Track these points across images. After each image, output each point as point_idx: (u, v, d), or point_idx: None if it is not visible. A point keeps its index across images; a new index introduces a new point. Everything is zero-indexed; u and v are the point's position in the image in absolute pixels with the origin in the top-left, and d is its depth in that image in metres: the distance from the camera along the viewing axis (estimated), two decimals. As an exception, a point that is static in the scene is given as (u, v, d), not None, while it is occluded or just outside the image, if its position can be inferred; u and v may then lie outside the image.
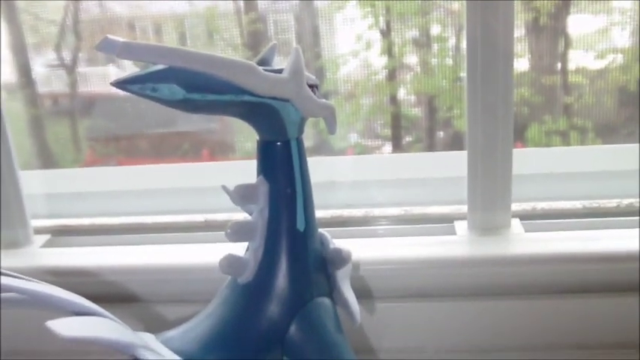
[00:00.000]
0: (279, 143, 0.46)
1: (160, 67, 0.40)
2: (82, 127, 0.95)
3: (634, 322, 0.62)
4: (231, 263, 0.47)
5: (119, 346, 0.39)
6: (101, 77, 0.95)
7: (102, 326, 0.40)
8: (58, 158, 0.96)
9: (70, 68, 0.92)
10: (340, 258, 0.50)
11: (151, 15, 0.89)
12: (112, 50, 0.39)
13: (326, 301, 0.48)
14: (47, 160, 0.94)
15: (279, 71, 0.44)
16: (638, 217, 0.70)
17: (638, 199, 0.72)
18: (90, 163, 0.95)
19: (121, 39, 0.38)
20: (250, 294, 0.47)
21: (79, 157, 0.96)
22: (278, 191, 0.46)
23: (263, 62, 0.47)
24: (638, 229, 0.65)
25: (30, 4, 0.87)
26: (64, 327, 0.36)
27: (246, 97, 0.42)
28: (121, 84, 0.40)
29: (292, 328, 0.46)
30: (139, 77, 0.40)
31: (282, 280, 0.46)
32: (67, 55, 0.91)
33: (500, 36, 0.63)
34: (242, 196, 0.46)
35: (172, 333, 0.47)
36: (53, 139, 0.94)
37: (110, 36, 0.39)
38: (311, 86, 0.45)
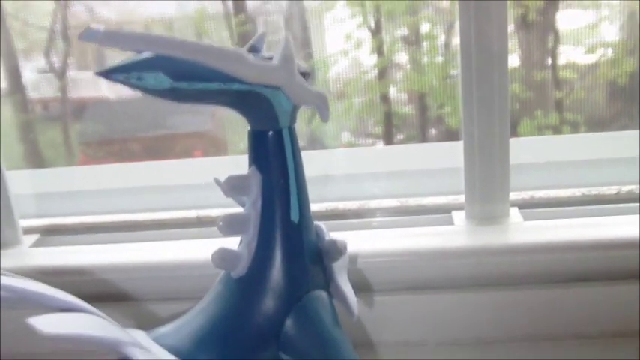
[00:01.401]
0: (270, 132, 0.45)
1: (145, 55, 0.39)
2: (73, 132, 0.95)
3: (634, 309, 0.62)
4: (223, 257, 0.46)
5: (104, 344, 0.38)
6: (91, 81, 0.95)
7: (87, 323, 0.38)
8: (50, 163, 0.95)
9: (60, 73, 0.91)
10: (335, 249, 0.49)
11: (140, 18, 0.89)
12: (94, 39, 0.37)
13: (323, 294, 0.48)
14: (39, 165, 0.94)
15: (270, 59, 0.43)
16: (638, 204, 0.70)
17: (638, 186, 0.72)
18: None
19: (103, 27, 0.37)
20: (244, 288, 0.46)
21: (72, 162, 0.95)
22: (271, 182, 0.45)
23: (252, 50, 0.46)
24: (638, 216, 0.65)
25: (18, 9, 0.87)
26: (46, 323, 0.35)
27: (236, 85, 0.41)
28: (105, 73, 0.39)
29: (288, 323, 0.45)
30: (124, 66, 0.39)
31: (276, 273, 0.45)
32: (56, 60, 0.91)
33: (494, 24, 0.63)
34: (233, 187, 0.46)
35: (164, 329, 0.46)
36: (45, 144, 0.94)
37: (93, 25, 0.37)
38: (303, 74, 0.44)
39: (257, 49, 0.47)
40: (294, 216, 0.46)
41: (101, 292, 0.66)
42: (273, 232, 0.46)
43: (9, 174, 0.74)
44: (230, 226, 0.46)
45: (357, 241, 0.64)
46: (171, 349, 0.43)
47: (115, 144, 0.94)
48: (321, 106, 0.45)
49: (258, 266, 0.46)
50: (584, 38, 0.85)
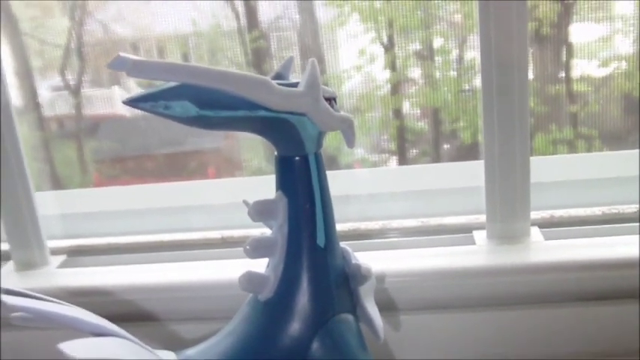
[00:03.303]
0: (297, 158, 0.45)
1: (171, 84, 0.40)
2: (88, 149, 0.95)
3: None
4: (250, 280, 0.46)
5: None
6: (106, 99, 0.95)
7: (117, 347, 0.39)
8: (65, 181, 0.95)
9: (75, 91, 0.92)
10: (360, 274, 0.49)
11: (155, 36, 0.90)
12: (123, 68, 0.38)
13: (349, 317, 0.48)
14: (55, 183, 0.94)
15: (295, 85, 0.44)
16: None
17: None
18: (98, 185, 0.95)
19: (132, 56, 0.38)
20: (271, 311, 0.46)
21: (87, 180, 0.96)
22: (297, 207, 0.46)
23: (279, 76, 0.47)
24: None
25: (34, 28, 0.87)
26: (77, 349, 0.35)
27: (261, 113, 0.42)
28: (133, 102, 0.40)
29: (314, 346, 0.45)
30: (151, 95, 0.40)
31: (303, 296, 0.46)
32: (71, 78, 0.91)
33: (514, 43, 0.63)
34: (260, 211, 0.46)
35: (193, 351, 0.47)
36: (60, 162, 0.94)
37: (122, 54, 0.38)
38: (328, 99, 0.45)
39: (283, 76, 0.47)
40: (321, 240, 0.46)
41: (127, 312, 0.66)
42: (299, 256, 0.46)
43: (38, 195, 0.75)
44: (256, 249, 0.46)
45: (378, 261, 0.64)
46: None
47: (128, 161, 0.94)
48: (347, 131, 0.46)
49: (284, 290, 0.46)
50: (598, 51, 0.85)
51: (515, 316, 0.63)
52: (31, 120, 0.91)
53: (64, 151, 0.95)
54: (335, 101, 0.46)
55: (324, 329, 0.46)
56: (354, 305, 0.49)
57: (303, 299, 0.46)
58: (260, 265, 0.48)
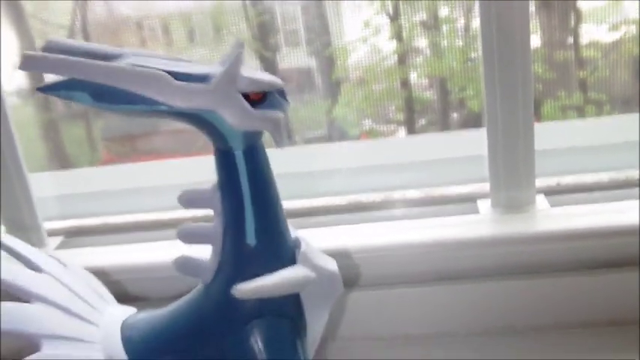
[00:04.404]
0: (224, 153, 0.43)
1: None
2: (96, 128, 0.95)
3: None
4: (184, 264, 0.47)
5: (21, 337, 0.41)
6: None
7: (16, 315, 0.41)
8: (74, 160, 0.96)
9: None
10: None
11: (159, 14, 0.89)
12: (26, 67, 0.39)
13: (278, 323, 0.45)
14: (64, 163, 0.95)
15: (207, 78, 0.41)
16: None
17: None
18: (106, 164, 0.95)
19: (31, 53, 0.38)
20: (205, 296, 0.46)
21: (95, 158, 0.96)
22: (227, 201, 0.44)
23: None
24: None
25: (38, 9, 0.87)
26: None
27: (163, 107, 0.40)
28: (41, 89, 0.40)
29: (227, 347, 0.45)
30: (55, 84, 0.40)
31: (228, 294, 0.44)
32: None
33: (514, 5, 0.61)
34: (188, 200, 0.46)
35: (141, 316, 0.48)
36: (68, 141, 0.95)
37: (27, 52, 0.38)
38: (260, 94, 0.42)
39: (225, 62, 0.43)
40: (250, 239, 0.44)
41: (127, 292, 0.67)
42: (230, 251, 0.45)
43: (32, 176, 0.75)
44: (186, 236, 0.46)
45: (382, 234, 0.64)
46: (133, 341, 0.46)
47: (137, 139, 0.95)
48: (272, 132, 0.43)
49: (218, 281, 0.45)
50: (606, 16, 0.83)
51: (521, 286, 0.63)
52: (38, 101, 0.92)
53: (72, 131, 0.96)
54: (279, 93, 0.43)
55: (243, 331, 0.44)
56: (298, 309, 0.46)
57: (228, 296, 0.44)
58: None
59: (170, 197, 0.80)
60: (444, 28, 0.89)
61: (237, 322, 0.45)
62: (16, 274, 0.44)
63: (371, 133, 0.93)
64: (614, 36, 0.84)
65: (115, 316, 0.48)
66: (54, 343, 0.42)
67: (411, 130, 0.94)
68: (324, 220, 0.72)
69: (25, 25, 0.87)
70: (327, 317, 0.48)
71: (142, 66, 0.40)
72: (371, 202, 0.74)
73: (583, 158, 0.74)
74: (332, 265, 0.48)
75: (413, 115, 0.93)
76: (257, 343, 0.44)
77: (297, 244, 0.47)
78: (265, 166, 0.44)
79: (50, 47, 0.40)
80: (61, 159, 0.94)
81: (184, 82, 0.40)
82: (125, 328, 0.47)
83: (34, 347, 0.42)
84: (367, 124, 0.94)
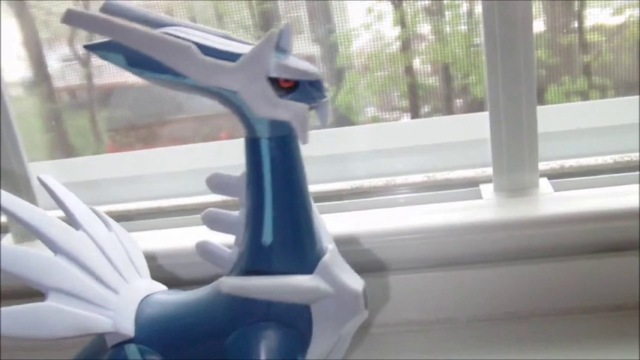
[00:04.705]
0: (250, 139, 0.41)
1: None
2: (101, 119, 0.95)
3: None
4: (204, 250, 0.46)
5: (29, 282, 0.42)
6: (116, 68, 0.95)
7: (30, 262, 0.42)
8: (79, 152, 0.96)
9: (85, 60, 0.92)
10: None
11: (161, 1, 0.89)
12: (68, 20, 0.39)
13: (284, 331, 0.43)
14: (69, 154, 0.95)
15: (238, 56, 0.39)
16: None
17: None
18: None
19: (76, 9, 0.39)
20: (219, 290, 0.44)
21: (100, 149, 0.96)
22: (250, 192, 0.42)
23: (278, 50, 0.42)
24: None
25: (40, -3, 0.88)
26: None
27: (188, 81, 0.39)
28: (87, 47, 0.40)
29: (227, 344, 0.43)
30: (97, 44, 0.40)
31: None
32: (80, 48, 0.91)
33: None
34: (216, 185, 0.44)
35: (162, 297, 0.47)
36: (73, 132, 0.95)
37: (72, 8, 0.39)
38: (304, 82, 0.40)
39: (282, 49, 0.41)
40: (267, 238, 0.42)
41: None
42: (247, 247, 0.43)
43: (34, 165, 0.75)
44: (210, 221, 0.45)
45: (385, 219, 0.64)
46: (146, 320, 0.45)
47: (142, 129, 0.95)
48: (295, 124, 0.40)
49: (232, 275, 0.44)
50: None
51: (525, 271, 0.62)
52: (42, 91, 0.92)
53: (77, 121, 0.96)
54: (314, 86, 0.40)
55: (238, 332, 0.43)
56: (308, 323, 0.43)
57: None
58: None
59: (172, 184, 0.81)
60: (448, 13, 0.88)
61: (242, 321, 0.43)
62: (50, 225, 0.44)
63: (375, 121, 0.93)
64: (619, 20, 0.84)
65: (139, 290, 0.47)
66: (61, 297, 0.42)
67: (416, 116, 0.94)
68: (326, 206, 0.71)
69: (27, 15, 0.87)
70: (344, 339, 0.45)
71: (177, 37, 0.39)
72: (373, 187, 0.73)
73: (586, 141, 0.74)
74: (357, 284, 0.45)
75: (417, 102, 0.93)
76: (256, 346, 0.42)
77: (322, 253, 0.44)
78: (294, 160, 0.42)
79: (107, 8, 0.40)
80: (65, 150, 0.95)
81: (210, 58, 0.39)
82: (145, 304, 0.46)
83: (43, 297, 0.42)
84: (371, 111, 0.93)
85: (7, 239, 0.75)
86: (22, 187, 0.73)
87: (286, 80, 0.39)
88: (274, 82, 0.39)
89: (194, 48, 0.39)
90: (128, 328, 0.44)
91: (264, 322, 0.42)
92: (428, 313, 0.65)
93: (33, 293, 0.42)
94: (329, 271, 0.43)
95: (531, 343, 0.61)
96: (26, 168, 0.73)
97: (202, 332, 0.44)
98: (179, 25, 0.41)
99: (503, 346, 0.60)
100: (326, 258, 0.43)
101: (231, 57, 0.39)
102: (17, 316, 0.41)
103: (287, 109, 0.39)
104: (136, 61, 0.39)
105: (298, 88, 0.40)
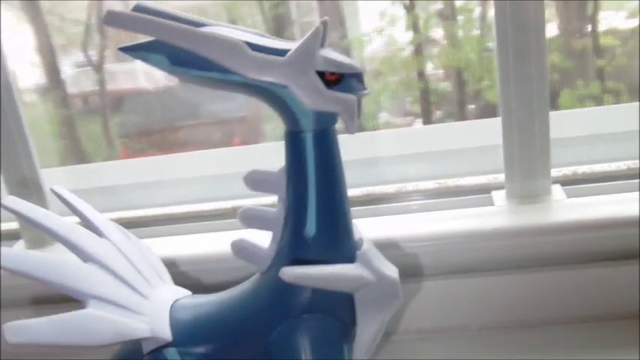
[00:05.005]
0: (293, 133, 0.42)
1: (152, 38, 0.40)
2: (113, 125, 0.96)
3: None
4: (241, 248, 0.45)
5: (68, 291, 0.42)
6: (129, 73, 0.95)
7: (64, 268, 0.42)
8: (92, 157, 0.97)
9: (98, 66, 0.92)
10: None
11: (175, 7, 0.89)
12: (109, 22, 0.39)
13: (325, 322, 0.43)
14: (82, 160, 0.95)
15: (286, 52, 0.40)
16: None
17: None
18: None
19: (116, 10, 0.38)
20: (258, 287, 0.45)
21: (113, 155, 0.97)
22: (291, 186, 0.43)
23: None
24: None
25: (54, 5, 0.88)
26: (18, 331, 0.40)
27: (236, 78, 0.39)
28: (123, 49, 0.40)
29: (272, 339, 0.43)
30: (136, 45, 0.40)
31: (281, 282, 0.43)
32: (93, 54, 0.92)
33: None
34: (255, 181, 0.45)
35: (194, 300, 0.47)
36: (86, 138, 0.95)
37: (111, 9, 0.39)
38: (337, 75, 0.40)
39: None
40: (310, 229, 0.43)
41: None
42: (288, 241, 0.44)
43: (47, 171, 0.75)
44: (246, 219, 0.45)
45: (395, 226, 0.64)
46: (178, 324, 0.45)
47: (154, 135, 0.95)
48: (342, 114, 0.41)
49: (272, 271, 0.44)
50: (625, 2, 0.82)
51: (538, 279, 0.62)
52: (56, 97, 0.92)
53: (90, 127, 0.96)
54: (357, 78, 0.41)
55: (286, 324, 0.43)
56: (350, 312, 0.44)
57: (281, 285, 0.43)
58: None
59: (182, 190, 0.81)
60: (461, 18, 0.88)
61: (286, 315, 0.43)
62: (77, 233, 0.45)
63: (387, 126, 0.93)
64: (633, 23, 0.83)
65: (167, 295, 0.47)
66: (100, 305, 0.42)
67: (428, 121, 0.94)
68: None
69: (42, 22, 0.88)
70: (382, 325, 0.46)
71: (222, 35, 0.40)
72: (384, 194, 0.73)
73: (600, 146, 0.73)
74: (393, 272, 0.45)
75: (429, 107, 0.93)
76: (302, 339, 0.43)
77: (359, 243, 0.45)
78: (336, 153, 0.43)
79: (138, 9, 0.40)
80: (78, 156, 0.95)
81: (260, 53, 0.39)
82: (175, 308, 0.46)
83: (81, 305, 0.42)
84: (384, 116, 0.93)
85: (20, 245, 0.75)
86: (34, 193, 0.73)
87: (332, 73, 0.40)
88: (320, 75, 0.40)
89: (243, 44, 0.39)
90: (166, 333, 0.45)
91: (307, 314, 0.43)
92: (438, 320, 0.64)
93: (58, 299, 0.43)
94: (368, 261, 0.44)
95: (544, 352, 0.60)
96: (38, 174, 0.73)
97: (244, 329, 0.45)
98: (214, 25, 0.41)
99: (514, 355, 0.60)
100: (365, 247, 0.44)
101: (279, 52, 0.40)
102: (61, 325, 0.41)
103: (337, 101, 0.40)
104: (181, 60, 0.39)
105: (343, 80, 0.40)
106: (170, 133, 0.94)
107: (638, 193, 0.64)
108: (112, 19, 0.39)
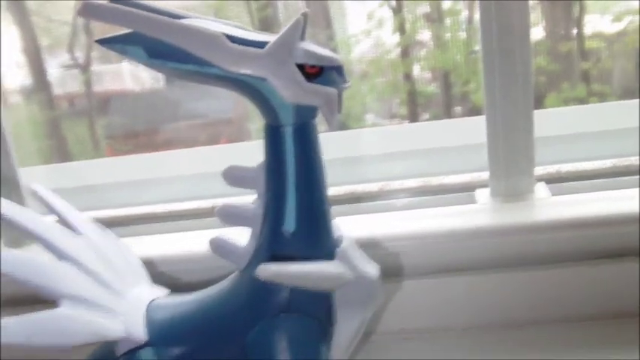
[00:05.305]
0: (272, 127, 0.41)
1: (130, 30, 0.39)
2: (99, 126, 0.96)
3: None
4: (218, 245, 0.44)
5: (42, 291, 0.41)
6: (115, 75, 0.95)
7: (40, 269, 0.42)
8: (77, 158, 0.96)
9: (84, 67, 0.92)
10: None
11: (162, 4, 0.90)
12: (83, 13, 0.38)
13: (307, 321, 0.43)
14: (66, 160, 0.95)
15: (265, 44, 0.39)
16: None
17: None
18: (109, 161, 0.95)
19: (93, 1, 0.38)
20: (236, 285, 0.44)
21: (99, 156, 0.96)
22: (270, 181, 0.42)
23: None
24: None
25: (41, 6, 0.88)
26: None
27: (214, 70, 0.39)
28: (100, 41, 0.39)
29: (249, 338, 0.43)
30: (112, 38, 0.39)
31: (258, 281, 0.42)
32: (80, 55, 0.91)
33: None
34: (233, 177, 0.44)
35: (170, 300, 0.47)
36: (72, 139, 0.95)
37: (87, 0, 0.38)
38: (317, 67, 0.39)
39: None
40: (289, 225, 0.42)
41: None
42: (267, 237, 0.43)
43: (28, 170, 0.74)
44: (225, 216, 0.44)
45: (379, 224, 0.63)
46: (157, 324, 0.44)
47: (140, 136, 0.95)
48: (322, 107, 0.40)
49: (250, 269, 0.43)
50: (610, 6, 0.83)
51: (522, 277, 0.61)
52: (42, 99, 0.92)
53: (76, 129, 0.96)
54: (337, 71, 0.40)
55: (264, 323, 0.43)
56: (329, 311, 0.44)
57: (259, 283, 0.42)
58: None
59: (163, 189, 0.80)
60: (448, 20, 0.88)
61: (263, 314, 0.43)
62: (51, 231, 0.44)
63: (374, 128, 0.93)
64: (618, 26, 0.84)
65: (144, 294, 0.47)
66: (73, 304, 0.41)
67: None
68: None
69: (28, 23, 0.87)
70: (362, 324, 0.45)
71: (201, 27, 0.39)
72: (368, 192, 0.72)
73: (584, 145, 0.73)
74: (373, 270, 0.45)
75: (416, 109, 0.93)
76: (280, 338, 0.42)
77: (339, 241, 0.44)
78: (315, 148, 0.42)
79: (116, 0, 0.39)
80: (63, 157, 0.95)
81: (238, 45, 0.38)
82: (152, 308, 0.45)
83: (54, 305, 0.41)
84: (370, 118, 0.93)
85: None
86: (11, 192, 0.73)
87: (312, 66, 0.39)
88: (300, 68, 0.39)
89: (222, 36, 0.38)
90: (140, 333, 0.44)
91: (285, 313, 0.42)
92: (422, 320, 0.64)
93: (30, 300, 0.42)
94: (348, 258, 0.43)
95: (528, 351, 0.59)
96: (16, 172, 0.72)
97: (221, 329, 0.44)
98: (193, 17, 0.41)
99: (499, 354, 0.60)
100: (345, 245, 0.43)
101: (258, 45, 0.39)
102: (32, 325, 0.40)
103: (317, 94, 0.39)
104: (159, 53, 0.39)
105: (323, 73, 0.39)
106: (156, 135, 0.94)
107: (621, 190, 0.65)
108: (88, 10, 0.38)
